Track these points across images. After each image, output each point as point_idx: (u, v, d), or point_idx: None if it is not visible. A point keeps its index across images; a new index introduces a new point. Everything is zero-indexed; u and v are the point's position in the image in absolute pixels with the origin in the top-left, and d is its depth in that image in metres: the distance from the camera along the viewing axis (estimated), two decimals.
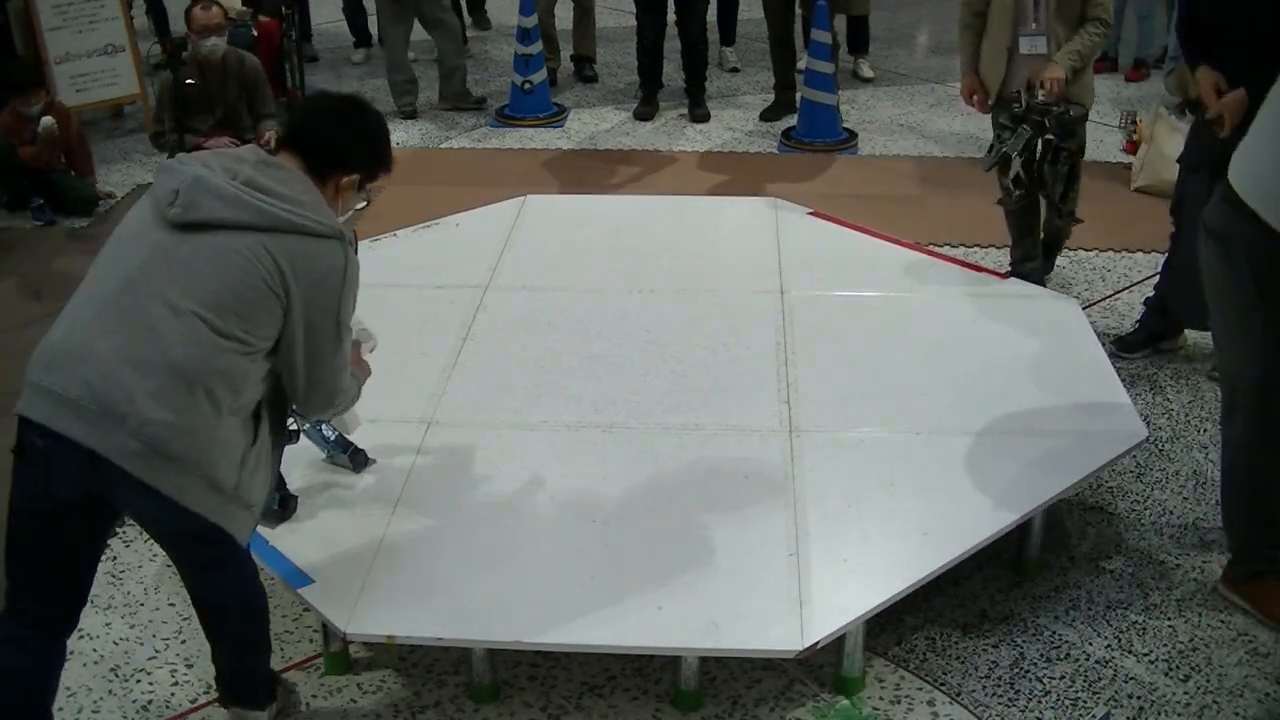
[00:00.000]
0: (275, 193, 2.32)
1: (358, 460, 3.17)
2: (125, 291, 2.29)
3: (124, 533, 3.46)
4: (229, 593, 2.59)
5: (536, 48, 7.09)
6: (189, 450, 2.28)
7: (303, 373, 2.41)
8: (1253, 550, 3.18)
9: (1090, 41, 4.42)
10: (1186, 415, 4.08)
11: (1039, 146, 4.50)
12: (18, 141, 5.79)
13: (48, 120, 5.86)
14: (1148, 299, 4.51)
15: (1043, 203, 4.71)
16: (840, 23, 7.38)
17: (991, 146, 4.65)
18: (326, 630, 2.91)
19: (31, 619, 2.48)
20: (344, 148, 2.47)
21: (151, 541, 3.04)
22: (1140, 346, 4.46)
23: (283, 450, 2.63)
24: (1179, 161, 4.25)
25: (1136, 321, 4.53)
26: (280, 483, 2.98)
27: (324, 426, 3.12)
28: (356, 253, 2.43)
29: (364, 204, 2.59)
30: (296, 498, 3.04)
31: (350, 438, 3.12)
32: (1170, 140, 5.39)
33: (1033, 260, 4.79)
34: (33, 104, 5.79)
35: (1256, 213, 2.83)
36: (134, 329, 2.26)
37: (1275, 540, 3.15)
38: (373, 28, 8.18)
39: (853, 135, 6.78)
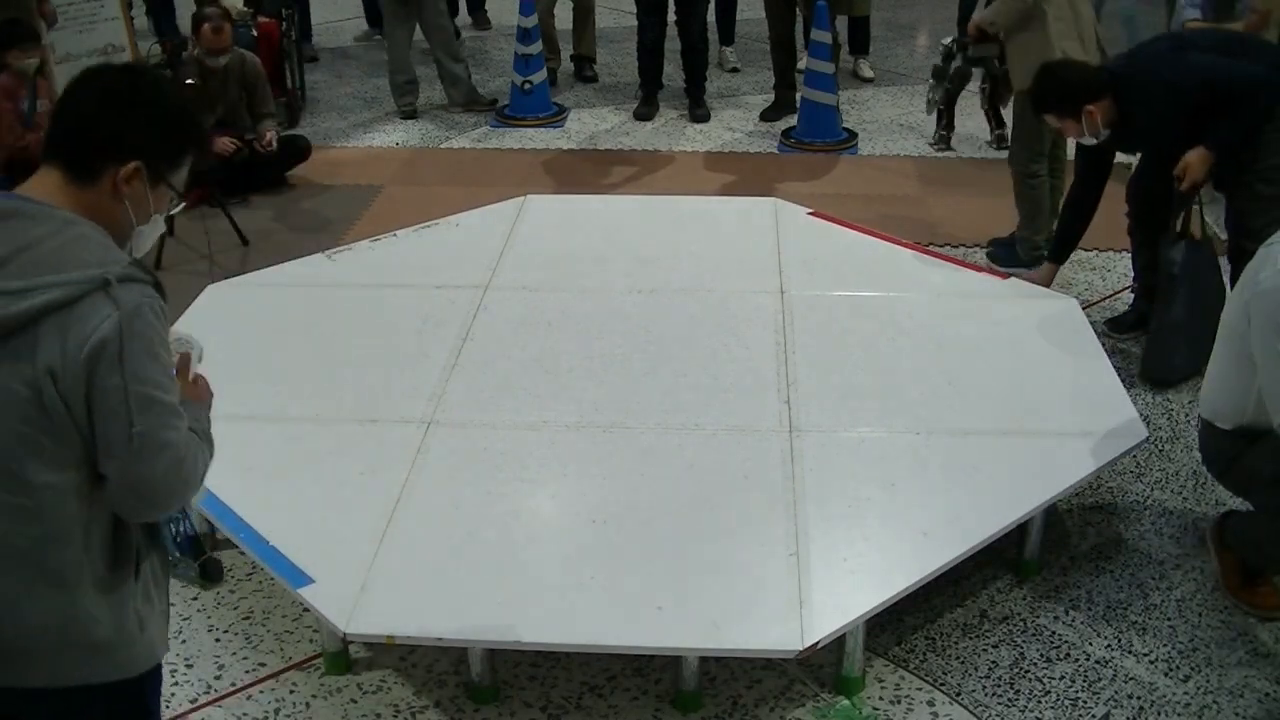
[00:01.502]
0: (9, 262, 1.73)
1: (210, 572, 2.86)
2: None
3: None
4: None
5: (536, 48, 7.09)
6: (37, 639, 1.82)
7: (109, 468, 1.78)
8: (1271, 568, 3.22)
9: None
10: (1186, 415, 4.08)
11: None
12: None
13: None
14: (1134, 286, 4.66)
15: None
16: (840, 23, 7.38)
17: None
18: (326, 630, 2.91)
19: None
20: (109, 130, 1.82)
21: None
22: (1132, 328, 4.56)
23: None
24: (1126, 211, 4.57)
25: (1129, 305, 4.70)
26: (197, 546, 2.68)
27: (172, 523, 2.59)
28: (155, 285, 1.80)
29: (178, 205, 1.98)
30: (219, 560, 2.81)
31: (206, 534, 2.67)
32: None
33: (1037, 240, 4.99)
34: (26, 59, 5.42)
35: (1212, 423, 3.16)
36: None
37: None
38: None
39: (853, 135, 6.78)
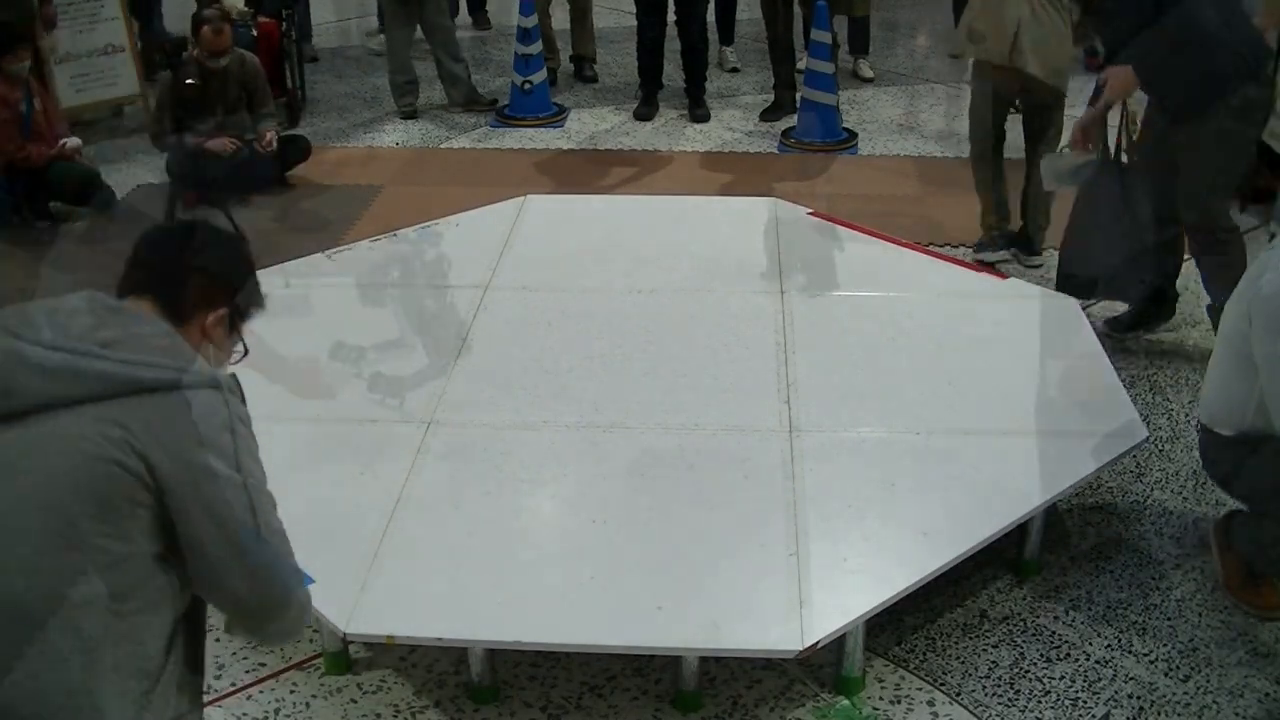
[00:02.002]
0: (121, 343, 1.79)
1: None
2: None
3: None
4: None
5: (536, 48, 7.09)
6: (35, 713, 1.75)
7: (228, 567, 1.82)
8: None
9: None
10: (1186, 415, 4.08)
11: None
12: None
13: (75, 141, 5.74)
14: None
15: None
16: (840, 23, 7.38)
17: None
18: (326, 630, 2.91)
19: None
20: (203, 280, 1.99)
21: None
22: (1131, 327, 4.55)
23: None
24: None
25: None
26: None
27: None
28: (244, 403, 1.92)
29: (242, 354, 2.11)
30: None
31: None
32: None
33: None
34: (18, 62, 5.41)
35: (1211, 428, 3.18)
36: None
37: None
38: None
39: (853, 135, 6.78)
